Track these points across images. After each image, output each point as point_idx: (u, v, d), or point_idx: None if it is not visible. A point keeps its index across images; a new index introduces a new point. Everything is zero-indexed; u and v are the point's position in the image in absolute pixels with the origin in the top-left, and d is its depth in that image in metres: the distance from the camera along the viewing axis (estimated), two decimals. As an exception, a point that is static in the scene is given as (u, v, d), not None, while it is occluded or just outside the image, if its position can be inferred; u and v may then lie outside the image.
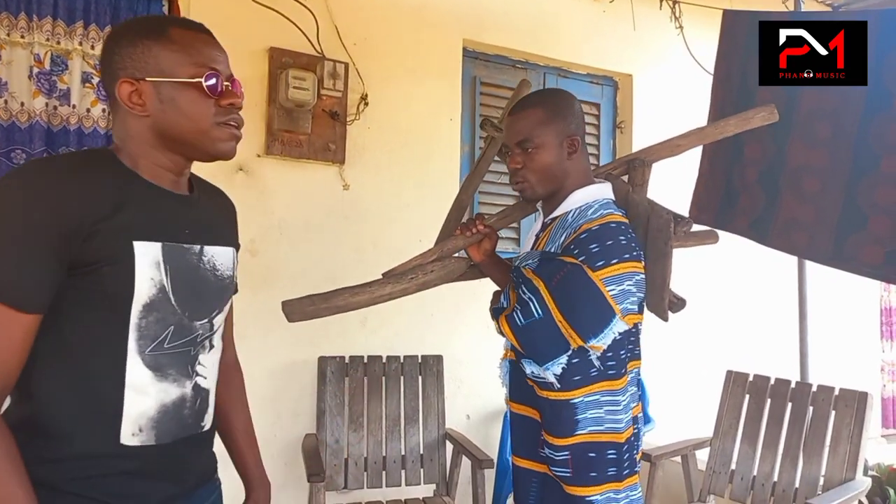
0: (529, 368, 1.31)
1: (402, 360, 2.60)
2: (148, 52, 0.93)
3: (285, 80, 2.36)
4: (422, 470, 2.51)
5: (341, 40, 2.55)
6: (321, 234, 2.54)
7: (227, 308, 1.07)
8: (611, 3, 3.18)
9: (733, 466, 2.47)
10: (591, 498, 1.28)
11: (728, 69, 2.57)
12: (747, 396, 2.53)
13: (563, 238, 1.33)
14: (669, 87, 3.36)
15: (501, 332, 1.39)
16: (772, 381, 2.50)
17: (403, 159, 2.72)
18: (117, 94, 0.93)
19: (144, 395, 0.91)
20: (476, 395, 2.83)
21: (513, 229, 3.01)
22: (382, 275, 1.45)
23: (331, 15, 2.54)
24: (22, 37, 2.16)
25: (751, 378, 2.56)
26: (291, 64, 2.42)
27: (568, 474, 1.28)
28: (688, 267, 3.21)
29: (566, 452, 1.28)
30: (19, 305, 0.83)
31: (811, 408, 2.36)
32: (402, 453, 2.51)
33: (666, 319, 1.41)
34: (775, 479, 2.35)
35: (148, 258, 0.90)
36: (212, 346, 1.02)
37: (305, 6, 2.46)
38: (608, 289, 1.26)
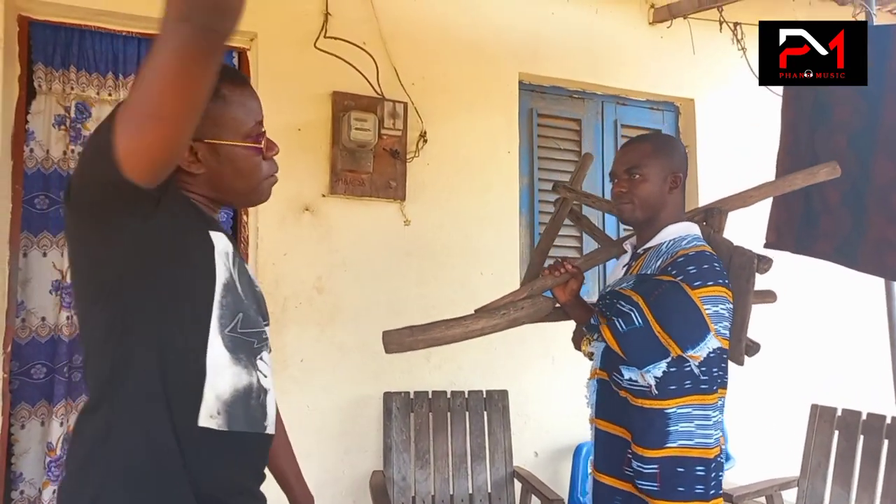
0: (628, 374, 1.37)
1: (466, 396, 2.57)
2: (207, 113, 0.89)
3: (348, 122, 2.44)
4: (490, 508, 2.46)
5: (400, 81, 2.62)
6: (384, 270, 2.58)
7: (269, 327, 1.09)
8: (668, 29, 3.15)
9: (826, 509, 2.29)
10: None
11: (798, 87, 2.48)
12: (836, 432, 2.36)
13: (658, 263, 1.43)
14: (733, 110, 3.27)
15: (590, 355, 1.52)
16: (864, 417, 2.33)
17: (463, 193, 2.74)
18: None
19: (220, 377, 0.91)
20: (544, 431, 2.77)
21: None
22: (475, 311, 1.53)
23: (389, 57, 2.62)
24: (110, 94, 2.33)
25: (839, 413, 2.39)
26: (353, 106, 2.51)
27: (655, 488, 1.32)
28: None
29: (655, 466, 1.32)
30: None
31: (911, 445, 2.18)
32: (470, 491, 2.46)
33: (741, 363, 1.45)
34: (874, 523, 2.17)
35: (221, 246, 0.94)
36: (269, 349, 1.04)
37: (365, 50, 2.56)
38: (705, 307, 1.33)
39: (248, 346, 0.96)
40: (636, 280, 1.44)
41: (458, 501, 2.45)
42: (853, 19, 3.07)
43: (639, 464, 1.33)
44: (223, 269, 0.93)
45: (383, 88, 2.58)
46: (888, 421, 2.27)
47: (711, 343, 1.33)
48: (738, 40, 3.23)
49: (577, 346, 1.64)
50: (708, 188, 3.18)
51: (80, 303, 0.93)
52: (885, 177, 2.18)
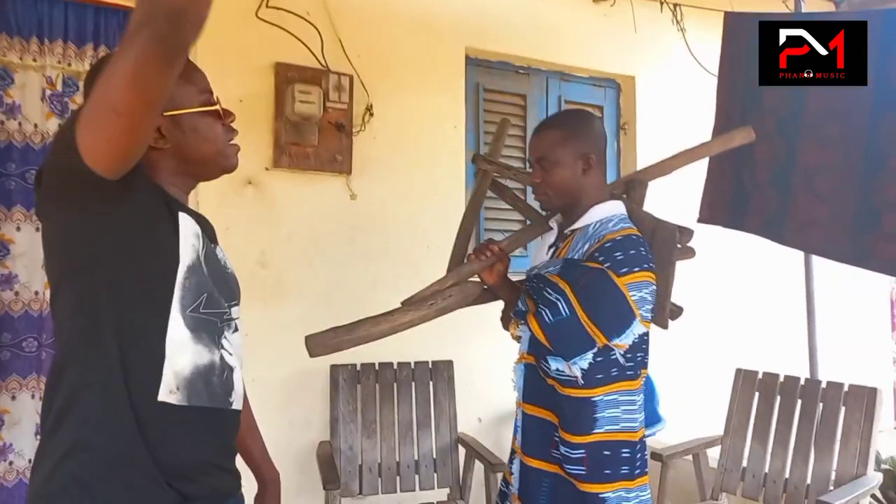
0: (555, 365, 1.38)
1: (413, 367, 2.63)
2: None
3: (291, 95, 2.41)
4: (435, 474, 2.54)
5: (345, 53, 2.59)
6: (330, 245, 2.59)
7: (239, 307, 1.11)
8: (612, 7, 3.20)
9: (745, 464, 2.48)
10: (604, 495, 1.35)
11: (732, 71, 2.59)
12: (757, 394, 2.54)
13: (586, 247, 1.43)
14: (672, 89, 3.37)
15: (517, 338, 1.49)
16: (781, 379, 2.51)
17: (409, 168, 2.76)
18: None
19: (181, 355, 0.94)
20: (487, 399, 2.86)
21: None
22: (402, 303, 1.50)
23: (334, 29, 2.58)
24: (34, 60, 2.22)
25: (760, 376, 2.57)
26: (297, 78, 2.47)
27: (583, 472, 1.35)
28: (694, 266, 3.22)
29: (582, 451, 1.35)
30: None
31: (821, 404, 2.37)
32: (416, 458, 2.54)
33: (666, 327, 1.48)
34: (787, 475, 2.36)
35: (189, 228, 0.97)
36: (236, 329, 1.07)
37: (309, 21, 2.51)
38: (630, 294, 1.35)
39: (210, 325, 0.99)
40: (563, 265, 1.43)
41: (405, 468, 2.52)
42: (784, 6, 3.21)
43: (566, 449, 1.37)
44: (189, 250, 0.96)
45: (328, 60, 2.55)
46: (802, 382, 2.46)
47: (637, 329, 1.36)
48: (677, 21, 3.32)
49: (506, 327, 1.64)
50: (647, 162, 3.29)
51: (51, 278, 0.96)
52: (810, 159, 2.31)
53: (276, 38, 2.46)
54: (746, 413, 2.54)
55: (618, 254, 1.36)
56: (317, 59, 2.53)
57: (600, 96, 3.36)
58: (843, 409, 2.30)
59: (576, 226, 1.50)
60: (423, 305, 1.49)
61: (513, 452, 1.56)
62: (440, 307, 1.50)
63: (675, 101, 3.35)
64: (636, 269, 1.36)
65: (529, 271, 1.54)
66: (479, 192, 1.87)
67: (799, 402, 2.43)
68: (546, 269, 1.46)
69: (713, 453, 2.59)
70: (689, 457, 2.53)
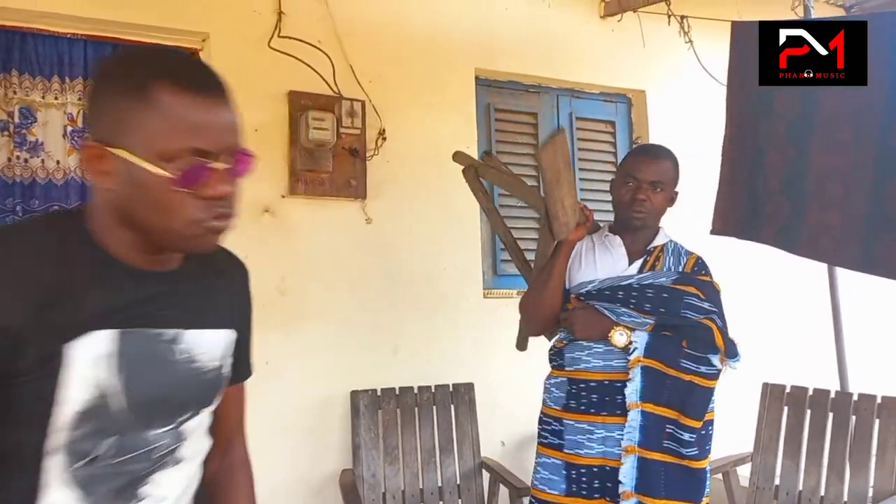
0: (715, 361, 1.65)
1: (433, 390, 2.61)
2: (124, 113, 0.71)
3: (305, 122, 2.43)
4: (459, 500, 2.50)
5: (357, 79, 2.62)
6: (348, 269, 2.59)
7: (209, 408, 0.86)
8: (619, 22, 3.21)
9: (777, 482, 2.41)
10: (706, 468, 1.65)
11: (741, 79, 2.57)
12: (786, 409, 2.49)
13: (682, 260, 1.75)
14: (683, 101, 3.36)
15: (626, 346, 1.64)
16: (810, 392, 2.46)
17: (423, 190, 2.76)
18: (81, 158, 0.79)
19: None
20: (509, 422, 2.82)
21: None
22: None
23: (346, 56, 2.61)
24: (56, 98, 2.26)
25: (788, 389, 2.51)
26: (310, 105, 2.49)
27: (695, 452, 1.59)
28: (719, 278, 3.17)
29: (695, 434, 1.59)
30: None
31: (853, 417, 2.31)
32: (439, 485, 2.50)
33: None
34: (822, 493, 2.30)
35: (91, 354, 0.70)
36: (177, 461, 0.80)
37: (320, 49, 2.54)
38: None
39: (119, 478, 0.74)
40: (680, 277, 1.70)
41: (428, 495, 2.48)
42: (793, 12, 3.20)
43: (689, 435, 1.58)
44: (82, 391, 0.70)
45: (340, 87, 2.57)
46: (832, 395, 2.40)
47: None
48: (685, 33, 3.32)
49: (543, 327, 1.85)
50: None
51: None
52: (821, 165, 2.28)
53: (289, 66, 2.49)
54: (776, 428, 2.48)
55: (707, 269, 1.76)
56: (329, 86, 2.55)
57: (612, 111, 3.35)
58: (876, 421, 2.24)
59: (657, 243, 1.76)
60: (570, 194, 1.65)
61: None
62: (562, 206, 1.63)
63: (686, 113, 3.34)
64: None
65: (625, 280, 1.70)
66: (477, 190, 2.00)
67: (830, 415, 2.37)
68: (656, 279, 1.69)
69: (744, 471, 2.52)
70: (720, 475, 2.47)
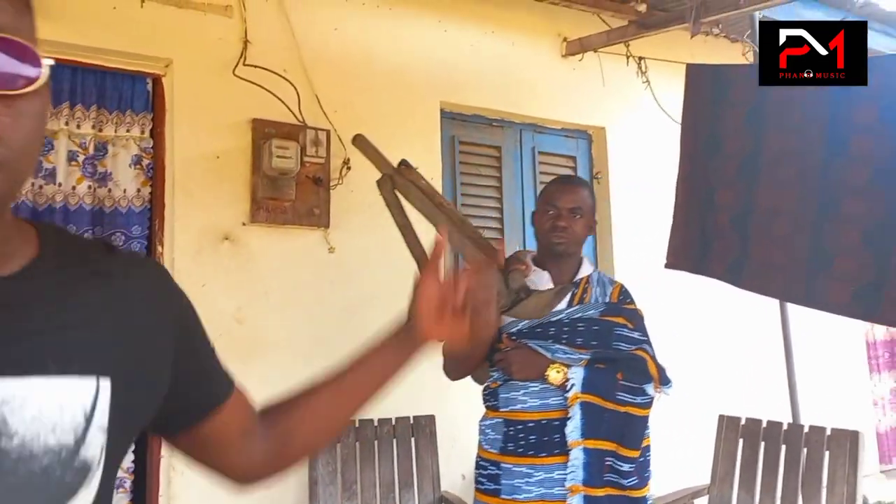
0: (651, 392, 1.66)
1: (393, 423, 2.57)
2: None
3: (269, 150, 2.42)
4: (419, 535, 2.45)
5: (322, 109, 2.62)
6: (309, 298, 2.55)
7: None
8: (580, 62, 3.32)
9: (734, 514, 2.44)
10: (646, 496, 1.66)
11: (694, 119, 2.67)
12: (741, 441, 2.53)
13: (609, 290, 1.77)
14: (641, 137, 3.47)
15: (562, 384, 1.61)
16: (764, 424, 2.51)
17: (387, 219, 2.72)
18: None
19: None
20: (469, 455, 2.78)
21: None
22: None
23: (311, 85, 2.62)
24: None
25: (743, 422, 2.56)
26: (274, 134, 2.48)
27: (636, 481, 1.61)
28: (672, 312, 3.24)
29: (633, 463, 1.61)
30: None
31: (805, 449, 2.36)
32: (398, 519, 2.45)
33: None
34: (776, 524, 2.33)
35: None
36: None
37: (286, 78, 2.55)
38: None
39: None
40: (607, 307, 1.72)
41: (387, 530, 2.42)
42: (743, 57, 3.36)
43: (627, 465, 1.60)
44: None
45: (305, 116, 2.57)
46: (785, 427, 2.46)
47: None
48: (642, 73, 3.45)
49: (464, 372, 1.86)
50: (619, 211, 3.36)
51: None
52: (767, 202, 2.37)
53: (254, 95, 2.48)
54: (732, 460, 2.52)
55: (631, 297, 1.78)
56: (294, 115, 2.55)
57: (573, 147, 3.43)
58: (826, 453, 2.29)
59: (582, 274, 1.78)
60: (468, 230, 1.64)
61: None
62: (469, 239, 1.64)
63: (645, 150, 3.45)
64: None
65: (555, 315, 1.68)
66: (392, 204, 1.84)
67: (783, 447, 2.42)
68: (585, 312, 1.69)
69: (701, 503, 2.54)
70: (678, 508, 2.48)
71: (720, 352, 3.52)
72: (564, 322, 1.68)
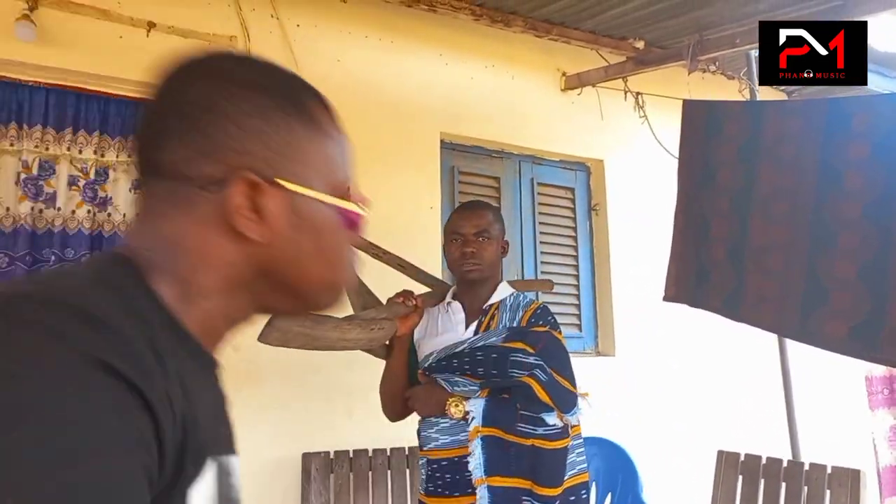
0: (551, 421, 1.50)
1: (388, 453, 2.53)
2: (290, 137, 0.53)
3: (269, 177, 2.43)
4: (412, 571, 2.39)
5: (323, 138, 2.65)
6: (305, 326, 2.54)
7: None
8: (579, 96, 3.37)
9: (733, 553, 2.39)
10: None
11: (690, 153, 2.70)
12: (740, 477, 2.49)
13: (518, 315, 1.63)
14: (639, 171, 3.50)
15: (463, 417, 1.53)
16: (763, 461, 2.47)
17: (387, 247, 2.76)
18: (230, 198, 0.50)
19: None
20: (466, 487, 2.75)
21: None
22: (345, 318, 1.50)
23: (313, 114, 2.65)
24: (11, 145, 2.22)
25: (742, 458, 2.53)
26: (275, 161, 2.50)
27: None
28: (672, 347, 3.23)
29: (555, 502, 1.47)
30: None
31: (805, 487, 2.32)
32: (391, 554, 2.40)
33: None
34: (777, 564, 2.28)
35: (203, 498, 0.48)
36: None
37: (288, 107, 2.57)
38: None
39: None
40: (511, 333, 1.57)
41: (379, 565, 2.37)
42: (740, 94, 3.41)
43: None
44: None
45: (306, 145, 2.59)
46: (784, 465, 2.43)
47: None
48: (640, 107, 3.49)
49: (394, 413, 1.73)
50: (617, 243, 3.37)
51: None
52: (760, 237, 2.37)
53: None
54: (731, 497, 2.48)
55: (549, 317, 1.63)
56: (295, 143, 2.57)
57: (571, 179, 3.46)
58: (827, 492, 2.26)
59: (494, 300, 1.67)
60: (367, 328, 1.51)
61: None
62: (373, 336, 1.53)
63: (642, 183, 3.47)
64: (559, 328, 1.62)
65: (460, 345, 1.58)
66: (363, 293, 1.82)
67: (783, 485, 2.38)
68: (487, 340, 1.55)
69: (700, 541, 2.50)
70: (676, 545, 2.44)
71: (719, 386, 3.49)
72: (466, 352, 1.56)
